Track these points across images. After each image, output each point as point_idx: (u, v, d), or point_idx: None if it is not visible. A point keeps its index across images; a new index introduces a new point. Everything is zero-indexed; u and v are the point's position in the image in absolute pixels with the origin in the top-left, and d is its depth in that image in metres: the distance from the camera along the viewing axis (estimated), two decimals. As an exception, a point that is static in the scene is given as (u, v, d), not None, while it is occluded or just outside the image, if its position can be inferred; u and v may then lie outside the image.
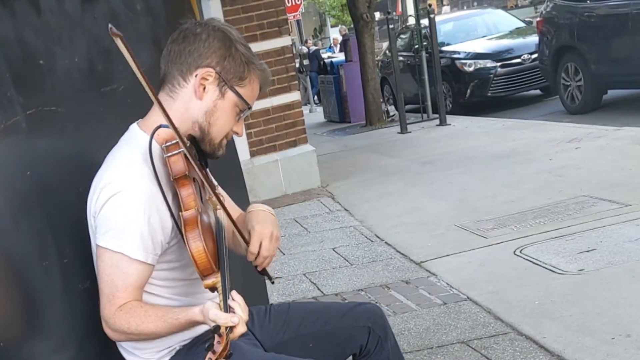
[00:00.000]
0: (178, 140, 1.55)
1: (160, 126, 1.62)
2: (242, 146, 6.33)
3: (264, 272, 1.80)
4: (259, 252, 1.72)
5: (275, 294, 3.98)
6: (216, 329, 1.37)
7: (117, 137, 1.74)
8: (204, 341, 1.69)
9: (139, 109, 1.76)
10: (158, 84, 1.71)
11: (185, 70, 1.66)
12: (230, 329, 1.38)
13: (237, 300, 1.44)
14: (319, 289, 4.03)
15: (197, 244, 1.50)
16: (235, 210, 1.95)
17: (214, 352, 1.35)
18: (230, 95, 1.67)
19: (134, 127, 1.70)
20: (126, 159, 1.61)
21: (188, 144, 1.58)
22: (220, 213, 1.70)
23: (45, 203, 1.73)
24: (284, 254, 4.78)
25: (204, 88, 1.66)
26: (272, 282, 1.95)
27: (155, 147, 1.59)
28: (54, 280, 1.73)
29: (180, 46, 1.66)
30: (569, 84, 8.47)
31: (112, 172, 1.59)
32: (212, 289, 1.52)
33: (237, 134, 1.74)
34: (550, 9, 8.95)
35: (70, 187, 1.78)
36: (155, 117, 1.66)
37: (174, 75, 1.67)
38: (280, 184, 6.68)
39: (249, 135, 6.58)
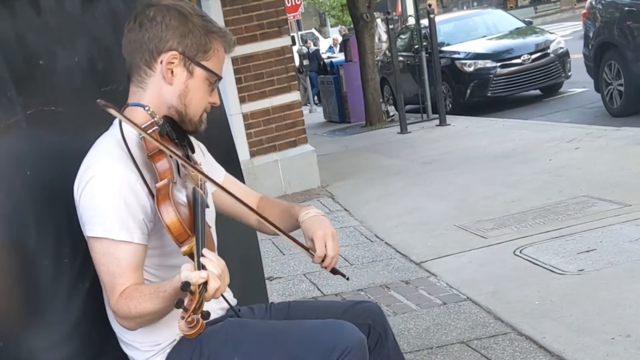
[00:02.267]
0: (152, 120, 1.62)
1: (127, 105, 1.67)
2: (242, 146, 6.34)
3: (335, 271, 1.83)
4: (325, 254, 1.76)
5: (275, 294, 3.98)
6: (185, 285, 1.35)
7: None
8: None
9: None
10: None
11: (149, 58, 1.66)
12: (204, 286, 1.37)
13: (208, 257, 1.42)
14: (318, 289, 4.03)
15: (169, 212, 1.49)
16: (251, 195, 2.00)
17: (185, 310, 1.34)
18: (198, 71, 1.67)
19: (115, 120, 1.70)
20: (101, 146, 1.64)
21: (161, 122, 1.63)
22: (208, 185, 1.72)
23: (45, 203, 1.73)
24: (283, 254, 4.78)
25: (172, 72, 1.66)
26: (347, 279, 1.95)
27: (132, 132, 1.63)
28: (54, 280, 1.73)
29: (138, 35, 1.66)
30: (610, 84, 7.83)
31: (87, 161, 1.62)
32: (191, 255, 1.49)
33: (214, 104, 1.75)
34: (593, 1, 8.17)
35: (70, 187, 1.77)
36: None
37: (139, 66, 1.68)
38: (280, 184, 6.68)
39: (249, 135, 6.58)
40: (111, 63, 1.96)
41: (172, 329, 1.68)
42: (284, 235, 1.80)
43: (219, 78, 1.72)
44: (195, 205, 1.56)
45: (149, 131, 1.60)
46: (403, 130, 9.33)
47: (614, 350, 2.75)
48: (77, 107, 1.86)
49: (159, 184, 1.55)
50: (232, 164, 2.33)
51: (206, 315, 1.36)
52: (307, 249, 1.80)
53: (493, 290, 3.58)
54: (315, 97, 16.24)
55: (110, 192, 1.55)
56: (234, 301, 1.86)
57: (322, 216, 1.84)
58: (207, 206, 1.65)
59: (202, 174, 1.68)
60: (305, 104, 14.77)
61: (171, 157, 1.60)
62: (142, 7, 1.69)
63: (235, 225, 2.03)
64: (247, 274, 2.38)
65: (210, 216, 1.80)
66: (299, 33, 19.55)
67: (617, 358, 2.70)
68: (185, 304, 1.34)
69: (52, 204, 1.73)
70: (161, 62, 1.65)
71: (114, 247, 1.55)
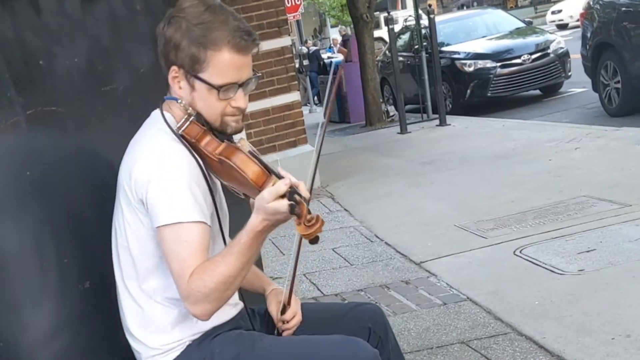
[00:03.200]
0: (187, 113, 1.65)
1: (164, 99, 1.69)
2: (242, 146, 6.33)
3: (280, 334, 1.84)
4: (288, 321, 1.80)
5: (275, 294, 3.98)
6: (292, 194, 1.43)
7: (118, 137, 1.74)
8: (213, 336, 1.69)
9: (139, 109, 1.77)
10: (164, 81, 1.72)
11: (165, 72, 1.69)
12: (301, 195, 1.45)
13: (283, 174, 1.53)
14: (318, 289, 4.03)
15: (242, 158, 1.56)
16: None
17: (298, 215, 1.41)
18: (198, 83, 1.65)
19: (155, 112, 1.72)
20: (156, 141, 1.64)
21: (195, 113, 1.66)
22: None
23: (45, 203, 1.73)
24: (283, 254, 4.79)
25: (179, 85, 1.67)
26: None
27: (174, 124, 1.66)
28: (54, 280, 1.73)
29: (159, 44, 1.69)
30: (607, 84, 7.90)
31: (147, 156, 1.61)
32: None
33: (238, 109, 1.70)
34: (591, 1, 8.25)
35: (70, 187, 1.78)
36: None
37: (165, 74, 1.70)
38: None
39: (249, 136, 6.57)
40: (111, 63, 1.96)
41: (184, 332, 1.69)
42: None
43: (225, 85, 1.64)
44: (255, 155, 1.61)
45: (186, 123, 1.63)
46: (403, 130, 9.33)
47: (614, 350, 2.75)
48: (77, 108, 1.86)
49: (219, 149, 1.60)
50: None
51: (315, 239, 1.46)
52: (289, 298, 1.84)
53: (493, 290, 3.58)
54: (315, 97, 16.25)
55: (179, 182, 1.57)
56: (240, 303, 1.86)
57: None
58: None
59: (246, 143, 1.70)
60: (305, 104, 14.77)
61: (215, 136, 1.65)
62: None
63: (235, 225, 2.03)
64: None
65: (226, 221, 1.81)
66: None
67: (617, 358, 2.70)
68: (296, 209, 1.41)
69: (52, 204, 1.73)
70: (170, 76, 1.68)
71: (186, 231, 1.55)
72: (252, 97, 6.53)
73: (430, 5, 13.21)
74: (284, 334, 1.81)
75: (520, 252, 4.02)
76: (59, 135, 1.82)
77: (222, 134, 1.69)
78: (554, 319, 3.13)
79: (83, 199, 1.78)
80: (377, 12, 16.42)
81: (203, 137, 1.63)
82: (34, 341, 1.70)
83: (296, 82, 7.12)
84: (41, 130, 1.77)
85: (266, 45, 6.52)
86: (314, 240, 1.45)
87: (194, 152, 1.63)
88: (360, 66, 10.57)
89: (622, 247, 3.79)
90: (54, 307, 1.73)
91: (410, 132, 9.30)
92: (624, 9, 7.49)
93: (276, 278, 4.29)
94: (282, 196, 1.49)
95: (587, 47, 8.17)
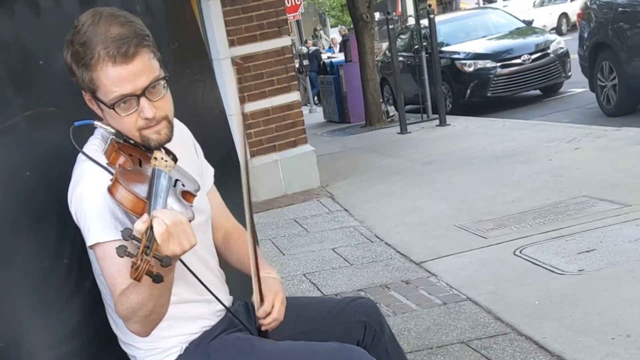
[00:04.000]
0: (109, 132, 1.62)
1: (74, 124, 1.65)
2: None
3: (264, 334, 1.80)
4: (269, 313, 1.76)
5: (275, 294, 3.97)
6: (126, 232, 1.37)
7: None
8: (210, 339, 1.69)
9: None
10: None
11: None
12: (151, 231, 1.37)
13: (155, 212, 1.42)
14: (318, 289, 4.03)
15: (120, 192, 1.48)
16: (225, 218, 1.97)
17: (130, 256, 1.34)
18: (101, 104, 1.59)
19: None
20: (78, 164, 1.62)
21: (115, 131, 1.61)
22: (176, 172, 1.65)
23: (45, 203, 1.73)
24: (283, 254, 4.79)
25: (95, 106, 1.63)
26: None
27: (96, 146, 1.63)
28: (54, 280, 1.73)
29: None
30: (604, 84, 7.91)
31: (72, 183, 1.61)
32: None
33: (145, 118, 1.59)
34: (588, 1, 8.28)
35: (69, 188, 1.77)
36: None
37: None
38: (280, 184, 6.68)
39: (249, 136, 6.58)
40: (110, 63, 1.95)
41: (181, 335, 1.69)
42: (251, 264, 1.76)
43: (117, 101, 1.55)
44: (154, 179, 1.52)
45: (106, 144, 1.61)
46: (403, 130, 9.33)
47: (614, 350, 2.75)
48: (75, 108, 1.85)
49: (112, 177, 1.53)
50: (232, 164, 2.33)
51: (164, 261, 1.37)
52: (260, 295, 1.77)
53: (493, 290, 3.58)
54: (315, 97, 16.25)
55: (95, 197, 1.54)
56: (229, 299, 1.85)
57: (280, 282, 1.85)
58: (173, 180, 1.60)
59: (172, 158, 1.63)
60: (305, 104, 14.77)
61: (131, 155, 1.59)
62: None
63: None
64: (245, 275, 2.37)
65: (198, 217, 1.72)
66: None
67: (617, 358, 2.70)
68: (128, 250, 1.34)
69: (51, 205, 1.73)
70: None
71: (108, 249, 1.53)
72: (252, 97, 6.55)
73: (430, 5, 13.18)
74: (262, 328, 1.78)
75: (520, 252, 4.02)
76: (58, 136, 1.82)
77: (148, 148, 1.63)
78: (554, 319, 3.13)
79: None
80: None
81: (115, 157, 1.58)
82: (34, 342, 1.70)
83: (296, 82, 7.12)
84: (40, 130, 1.77)
85: (266, 46, 6.53)
86: (155, 279, 1.37)
87: (108, 168, 1.57)
88: (360, 66, 10.57)
89: (622, 247, 3.79)
90: (54, 308, 1.73)
91: (410, 132, 9.30)
92: (620, 9, 7.51)
93: (276, 278, 4.29)
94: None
95: (585, 47, 8.20)
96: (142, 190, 1.50)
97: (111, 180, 1.51)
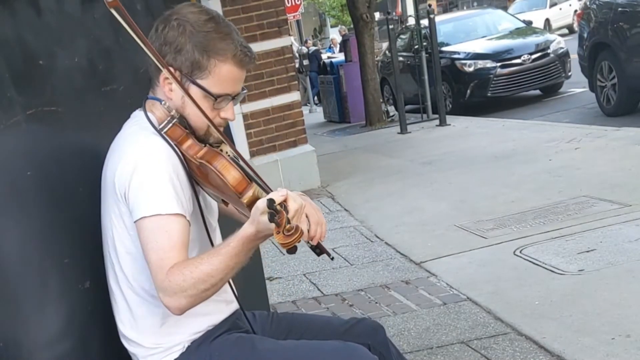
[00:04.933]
0: (170, 115, 1.65)
1: (147, 98, 1.69)
2: (242, 146, 6.34)
3: (319, 249, 1.79)
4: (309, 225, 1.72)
5: (275, 294, 3.98)
6: (271, 202, 1.40)
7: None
8: (212, 338, 1.69)
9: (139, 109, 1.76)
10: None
11: (154, 69, 1.67)
12: (285, 206, 1.44)
13: (278, 190, 1.50)
14: (318, 289, 4.03)
15: (223, 164, 1.55)
16: None
17: (277, 224, 1.39)
18: (194, 89, 1.64)
19: (135, 112, 1.72)
20: (137, 134, 1.63)
21: (178, 115, 1.65)
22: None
23: (46, 203, 1.73)
24: (283, 255, 4.79)
25: (170, 87, 1.65)
26: (332, 258, 1.93)
27: (156, 123, 1.65)
28: (54, 280, 1.73)
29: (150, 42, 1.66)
30: (604, 84, 7.92)
31: (128, 148, 1.61)
32: (254, 201, 1.52)
33: (227, 119, 1.71)
34: (588, 1, 8.33)
35: (70, 187, 1.78)
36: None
37: (152, 73, 1.70)
38: (280, 184, 6.64)
39: (249, 136, 6.58)
40: (111, 63, 1.96)
41: (185, 333, 1.69)
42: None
43: (222, 96, 1.65)
44: (236, 161, 1.60)
45: (169, 124, 1.63)
46: (403, 130, 9.33)
47: (614, 350, 2.76)
48: (77, 108, 1.86)
49: (200, 153, 1.59)
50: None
51: (293, 248, 1.44)
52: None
53: (493, 290, 3.58)
54: (315, 97, 16.25)
55: (160, 172, 1.56)
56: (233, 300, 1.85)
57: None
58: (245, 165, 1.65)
59: (228, 143, 1.70)
60: (305, 104, 14.77)
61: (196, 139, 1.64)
62: (164, 15, 1.68)
63: (234, 225, 2.03)
64: (247, 274, 2.37)
65: (214, 217, 1.80)
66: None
67: (617, 358, 2.70)
68: (276, 217, 1.39)
69: (52, 204, 1.73)
70: (161, 76, 1.65)
71: (165, 221, 1.54)
72: (252, 97, 6.55)
73: (430, 5, 13.18)
74: (313, 242, 1.75)
75: (520, 252, 4.02)
76: (59, 135, 1.82)
77: (203, 142, 1.67)
78: (554, 319, 3.13)
79: (83, 199, 1.78)
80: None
81: (185, 140, 1.62)
82: (34, 341, 1.70)
83: (296, 82, 7.12)
84: (41, 130, 1.77)
85: (266, 46, 6.53)
86: (291, 250, 1.44)
87: (175, 148, 1.62)
88: (360, 66, 10.57)
89: (622, 247, 3.79)
90: (54, 308, 1.73)
91: (410, 132, 9.30)
92: (620, 9, 7.51)
93: (276, 278, 4.30)
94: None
95: (584, 47, 8.21)
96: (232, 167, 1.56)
97: (200, 155, 1.57)
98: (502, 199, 5.20)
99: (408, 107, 10.61)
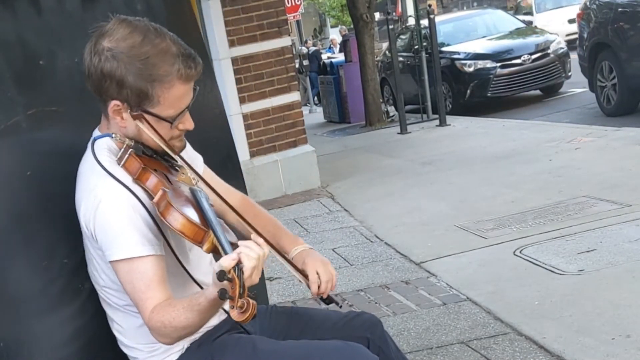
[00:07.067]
0: (125, 145, 1.60)
1: (94, 138, 1.64)
2: (242, 146, 6.34)
3: (329, 300, 1.84)
4: (320, 282, 1.79)
5: (275, 294, 3.98)
6: (221, 274, 1.34)
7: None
8: (213, 339, 1.69)
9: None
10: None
11: (100, 101, 1.62)
12: (240, 269, 1.38)
13: (238, 243, 1.45)
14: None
15: (176, 218, 1.50)
16: (232, 193, 1.95)
17: (231, 299, 1.33)
18: (147, 116, 1.59)
19: (93, 137, 1.68)
20: (92, 175, 1.60)
21: (132, 144, 1.61)
22: (200, 184, 1.67)
23: (46, 203, 1.73)
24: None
25: (122, 117, 1.61)
26: (340, 307, 1.97)
27: (107, 159, 1.61)
28: (54, 280, 1.73)
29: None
30: (604, 84, 7.91)
31: (87, 197, 1.59)
32: (215, 250, 1.50)
33: (186, 130, 1.67)
34: (588, 1, 8.29)
35: (70, 187, 1.77)
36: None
37: (100, 104, 1.64)
38: (280, 185, 6.68)
39: (248, 136, 6.58)
40: (111, 63, 1.95)
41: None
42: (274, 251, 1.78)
43: (177, 115, 1.60)
44: (199, 202, 1.56)
45: (125, 155, 1.59)
46: (403, 130, 9.33)
47: (614, 350, 2.75)
48: (77, 108, 1.86)
49: (155, 198, 1.55)
50: (232, 164, 2.33)
51: (254, 297, 1.37)
52: (300, 272, 1.80)
53: (493, 291, 3.58)
54: (315, 98, 16.25)
55: (119, 216, 1.55)
56: None
57: (311, 249, 1.87)
58: (210, 201, 1.63)
59: (190, 168, 1.66)
60: (305, 104, 14.77)
61: (155, 170, 1.61)
62: (96, 33, 1.59)
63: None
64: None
65: None
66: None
67: (617, 358, 2.70)
68: (229, 293, 1.34)
69: (52, 205, 1.73)
70: (110, 108, 1.60)
71: (137, 264, 1.55)
72: (252, 98, 6.55)
73: (430, 5, 13.18)
74: (323, 296, 1.81)
75: (520, 252, 4.02)
76: (60, 135, 1.82)
77: (162, 157, 1.67)
78: (554, 319, 3.13)
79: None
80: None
81: (143, 174, 1.58)
82: (34, 341, 1.70)
83: (296, 82, 7.12)
84: (42, 130, 1.77)
85: (266, 46, 6.53)
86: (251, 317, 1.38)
87: (128, 186, 1.57)
88: (360, 66, 10.57)
89: (622, 247, 3.79)
90: (55, 308, 1.73)
91: (410, 133, 9.30)
92: (620, 9, 7.51)
93: (276, 278, 4.30)
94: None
95: (584, 48, 8.21)
96: (192, 214, 1.51)
97: (156, 202, 1.53)
98: (502, 199, 5.20)
99: (408, 107, 10.60)
